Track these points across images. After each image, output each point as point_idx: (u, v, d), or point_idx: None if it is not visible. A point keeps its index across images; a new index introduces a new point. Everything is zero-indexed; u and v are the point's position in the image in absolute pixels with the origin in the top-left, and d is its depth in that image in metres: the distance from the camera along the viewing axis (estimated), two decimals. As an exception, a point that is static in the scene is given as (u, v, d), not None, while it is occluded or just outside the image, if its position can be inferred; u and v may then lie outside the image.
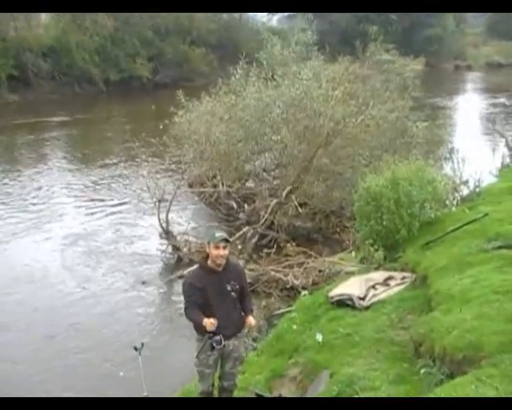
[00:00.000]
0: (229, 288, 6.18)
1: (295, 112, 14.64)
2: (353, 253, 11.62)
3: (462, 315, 6.05)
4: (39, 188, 19.22)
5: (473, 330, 5.58)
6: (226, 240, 6.13)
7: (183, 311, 6.22)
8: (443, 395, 4.31)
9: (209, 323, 5.84)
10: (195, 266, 6.65)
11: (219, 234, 6.21)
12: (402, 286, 8.67)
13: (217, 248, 6.05)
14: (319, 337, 7.54)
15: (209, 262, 6.16)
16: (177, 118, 16.74)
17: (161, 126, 16.11)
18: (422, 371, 5.87)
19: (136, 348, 6.60)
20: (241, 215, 15.40)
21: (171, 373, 8.83)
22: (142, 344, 6.66)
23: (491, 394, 4.16)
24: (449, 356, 5.51)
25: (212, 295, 6.09)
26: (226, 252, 6.12)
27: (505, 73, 60.21)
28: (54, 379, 9.02)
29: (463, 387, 4.39)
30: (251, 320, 6.43)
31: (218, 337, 5.94)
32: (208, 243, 6.19)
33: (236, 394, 6.95)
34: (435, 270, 8.08)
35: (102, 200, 17.89)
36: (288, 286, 11.73)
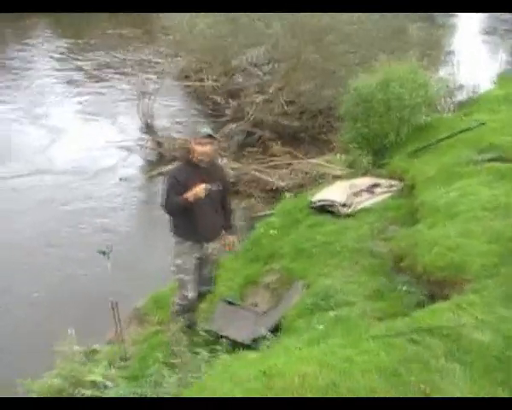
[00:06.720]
0: (213, 187, 5.79)
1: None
2: (339, 156, 11.15)
3: (447, 231, 5.68)
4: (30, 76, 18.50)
5: (456, 249, 5.22)
6: (211, 136, 5.73)
7: (161, 207, 5.87)
8: (420, 321, 3.99)
9: (199, 188, 5.52)
10: (179, 162, 6.24)
11: (204, 130, 5.81)
12: (388, 194, 8.28)
13: (200, 144, 5.66)
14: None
15: (194, 158, 5.78)
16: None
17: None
18: (402, 288, 5.56)
19: (104, 252, 6.13)
20: (227, 111, 14.75)
21: (143, 276, 8.48)
22: (111, 247, 6.18)
23: (470, 322, 3.84)
24: (430, 275, 5.18)
25: None
26: (211, 149, 5.75)
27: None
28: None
29: (442, 313, 4.06)
30: (232, 240, 6.28)
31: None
32: (193, 139, 5.78)
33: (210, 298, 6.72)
34: (423, 179, 7.67)
35: (84, 87, 17.16)
36: (272, 188, 11.31)
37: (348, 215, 7.92)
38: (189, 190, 5.57)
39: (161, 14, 15.73)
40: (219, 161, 6.14)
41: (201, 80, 16.09)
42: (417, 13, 15.54)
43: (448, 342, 3.72)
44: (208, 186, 5.60)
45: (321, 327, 5.00)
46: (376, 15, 14.14)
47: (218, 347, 5.29)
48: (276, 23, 13.55)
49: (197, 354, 5.00)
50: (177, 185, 5.67)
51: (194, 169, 5.75)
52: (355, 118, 9.62)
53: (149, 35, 16.02)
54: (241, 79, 16.04)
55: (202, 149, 5.66)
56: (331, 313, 5.38)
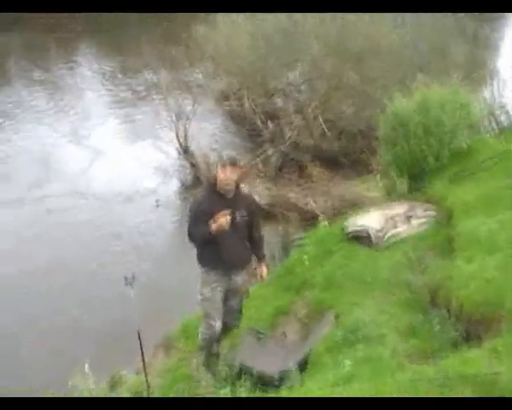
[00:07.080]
0: (238, 217, 5.54)
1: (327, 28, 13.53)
2: (377, 179, 10.82)
3: (485, 266, 5.34)
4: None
5: (493, 282, 4.89)
6: (234, 162, 5.41)
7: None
8: (449, 371, 3.69)
9: (223, 220, 5.25)
10: (204, 190, 6.01)
11: (226, 155, 5.55)
12: (424, 223, 7.93)
13: (223, 169, 5.37)
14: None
15: (218, 187, 5.51)
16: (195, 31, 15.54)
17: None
18: (435, 324, 5.25)
19: (127, 280, 5.94)
20: (265, 133, 14.52)
21: (174, 302, 8.18)
22: (134, 277, 5.97)
23: (507, 369, 3.53)
24: (466, 313, 4.85)
25: None
26: (234, 176, 5.42)
27: None
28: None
29: (476, 361, 3.75)
30: (263, 271, 6.02)
31: None
32: (216, 166, 5.55)
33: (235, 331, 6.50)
34: (462, 208, 7.30)
35: (125, 108, 17.22)
36: (308, 212, 11.07)
37: (383, 244, 7.64)
38: (213, 219, 5.36)
39: (201, 33, 15.54)
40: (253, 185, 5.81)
41: (240, 100, 15.94)
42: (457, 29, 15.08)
43: (482, 391, 3.43)
44: (230, 216, 5.33)
45: (347, 368, 4.72)
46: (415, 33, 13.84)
47: (241, 383, 5.08)
48: (312, 41, 13.35)
49: (218, 390, 4.81)
50: (201, 215, 5.43)
51: (219, 197, 5.49)
52: (393, 141, 9.33)
53: (190, 55, 15.93)
54: (279, 100, 15.87)
55: (224, 176, 5.39)
56: (360, 351, 5.10)
